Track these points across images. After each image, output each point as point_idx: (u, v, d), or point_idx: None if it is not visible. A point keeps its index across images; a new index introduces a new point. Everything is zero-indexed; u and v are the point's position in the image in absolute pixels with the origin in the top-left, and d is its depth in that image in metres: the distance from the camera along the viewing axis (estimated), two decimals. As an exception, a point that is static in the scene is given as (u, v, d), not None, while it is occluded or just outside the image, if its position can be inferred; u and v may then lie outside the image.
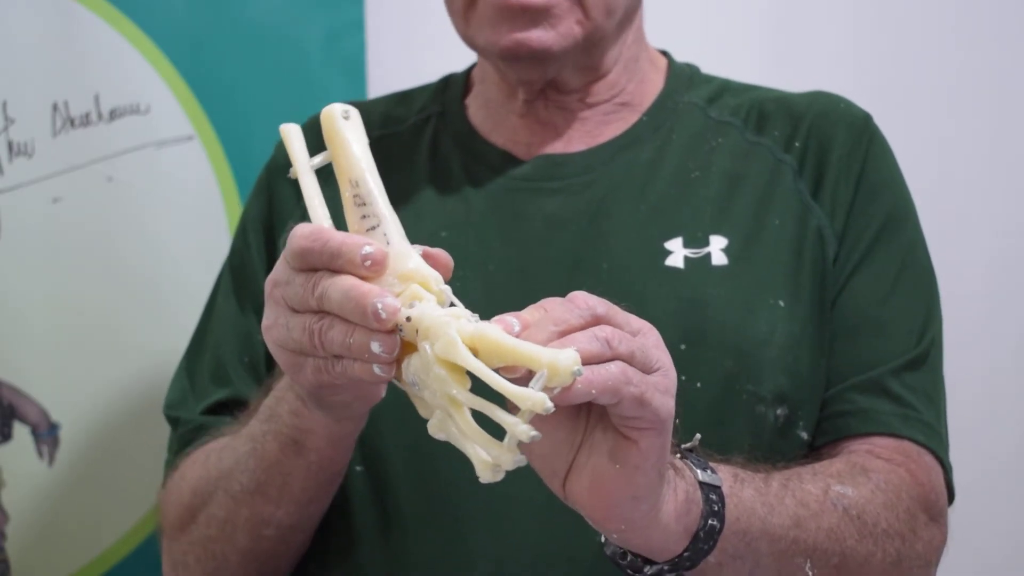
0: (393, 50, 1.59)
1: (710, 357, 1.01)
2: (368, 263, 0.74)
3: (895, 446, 1.02)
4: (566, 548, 0.99)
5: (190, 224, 1.45)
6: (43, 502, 1.38)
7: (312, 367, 0.78)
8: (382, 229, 0.76)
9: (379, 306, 0.72)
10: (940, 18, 1.67)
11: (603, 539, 0.85)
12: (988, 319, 1.65)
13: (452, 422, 0.73)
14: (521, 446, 0.74)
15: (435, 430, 0.75)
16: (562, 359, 0.70)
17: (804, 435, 1.04)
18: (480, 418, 0.73)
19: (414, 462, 1.03)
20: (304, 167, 0.80)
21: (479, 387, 0.72)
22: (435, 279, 0.75)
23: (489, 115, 1.15)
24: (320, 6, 1.52)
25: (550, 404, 0.69)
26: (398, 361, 0.74)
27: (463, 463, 1.00)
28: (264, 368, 1.12)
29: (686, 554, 0.84)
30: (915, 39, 1.67)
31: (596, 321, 0.75)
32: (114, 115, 1.40)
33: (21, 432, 1.37)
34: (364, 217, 0.77)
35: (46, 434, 1.38)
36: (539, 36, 1.04)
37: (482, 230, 1.09)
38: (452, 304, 0.75)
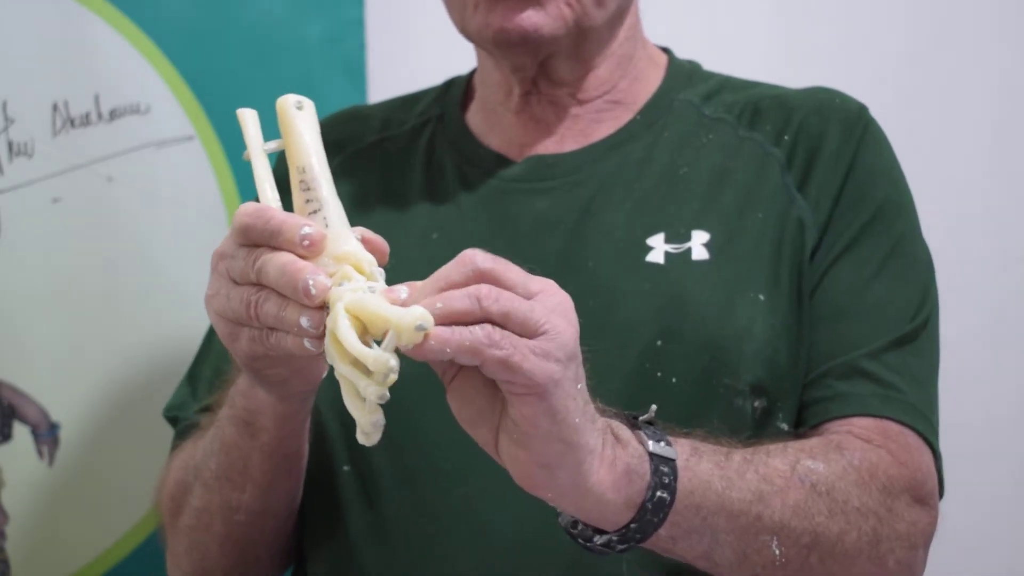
0: (393, 50, 1.59)
1: (687, 353, 1.01)
2: (306, 243, 0.77)
3: (875, 426, 1.00)
4: (548, 547, 0.99)
5: (190, 224, 1.45)
6: (43, 502, 1.38)
7: (247, 337, 0.81)
8: (323, 213, 0.81)
9: (310, 282, 0.75)
10: (941, 17, 1.67)
11: (558, 510, 0.85)
12: (988, 319, 1.65)
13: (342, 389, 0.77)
14: (455, 413, 0.79)
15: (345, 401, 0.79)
16: (405, 317, 0.72)
17: (784, 427, 1.04)
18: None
19: (399, 459, 1.04)
20: (257, 150, 0.84)
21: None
22: (368, 261, 0.79)
23: (486, 118, 1.16)
24: (320, 6, 1.52)
25: (394, 363, 0.72)
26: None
27: (444, 459, 1.01)
28: None
29: (633, 526, 0.83)
30: (916, 38, 1.67)
31: (479, 277, 0.75)
32: (114, 115, 1.40)
33: (21, 432, 1.37)
34: (308, 201, 0.81)
35: (46, 434, 1.38)
36: (530, 17, 1.05)
37: (473, 232, 1.10)
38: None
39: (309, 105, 0.84)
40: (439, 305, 0.73)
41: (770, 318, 1.03)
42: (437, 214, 1.12)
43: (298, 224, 0.78)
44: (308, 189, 0.81)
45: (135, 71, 1.41)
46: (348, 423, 1.04)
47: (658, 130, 1.12)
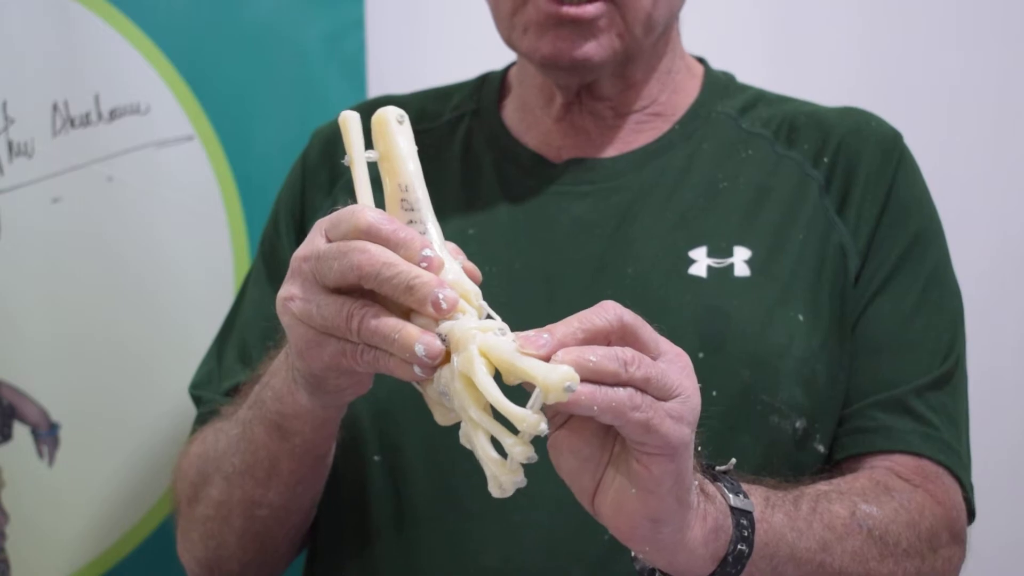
0: (393, 50, 1.59)
1: (727, 366, 1.02)
2: (423, 265, 0.75)
3: (915, 465, 1.03)
4: (575, 545, 1.00)
5: (190, 224, 1.45)
6: (43, 502, 1.38)
7: (335, 349, 0.78)
8: (428, 237, 0.77)
9: (440, 295, 0.73)
10: (941, 17, 1.67)
11: (633, 554, 0.85)
12: (989, 319, 1.65)
13: (472, 435, 0.74)
14: (554, 460, 0.76)
15: (463, 439, 0.76)
16: (554, 376, 0.70)
17: (820, 448, 1.05)
18: None
19: (430, 455, 1.04)
20: (360, 157, 0.81)
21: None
22: (475, 293, 0.76)
23: (523, 117, 1.17)
24: (320, 6, 1.52)
25: (544, 427, 0.70)
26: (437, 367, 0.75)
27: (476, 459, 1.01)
28: None
29: None
30: (916, 38, 1.67)
31: (622, 328, 0.74)
32: (114, 115, 1.40)
33: (21, 432, 1.37)
34: (411, 223, 0.78)
35: (46, 434, 1.38)
36: (581, 47, 1.06)
37: (509, 230, 1.10)
38: (489, 317, 0.76)
39: (407, 121, 0.81)
40: (592, 360, 0.72)
41: (808, 338, 1.04)
42: (473, 210, 1.12)
43: (421, 244, 0.75)
44: (411, 210, 0.78)
45: (135, 71, 1.41)
46: (381, 414, 1.05)
47: (696, 141, 1.13)
